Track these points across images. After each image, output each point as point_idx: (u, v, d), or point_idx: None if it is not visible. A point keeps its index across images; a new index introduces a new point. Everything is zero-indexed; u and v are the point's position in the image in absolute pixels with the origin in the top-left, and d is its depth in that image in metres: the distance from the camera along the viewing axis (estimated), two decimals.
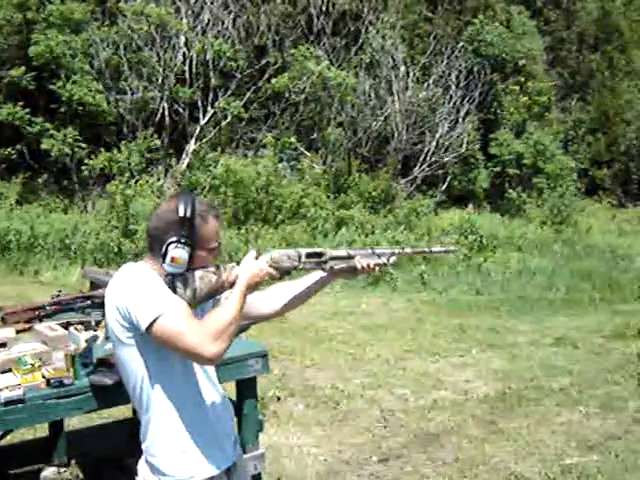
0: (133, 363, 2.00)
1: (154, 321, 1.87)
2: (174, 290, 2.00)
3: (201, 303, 2.08)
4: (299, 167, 16.35)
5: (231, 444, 2.18)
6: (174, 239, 1.97)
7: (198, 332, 1.87)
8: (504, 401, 5.46)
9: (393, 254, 2.29)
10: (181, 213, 1.98)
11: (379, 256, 2.28)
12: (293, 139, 16.83)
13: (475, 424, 4.98)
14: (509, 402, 5.43)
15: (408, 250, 2.39)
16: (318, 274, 2.30)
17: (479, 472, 4.18)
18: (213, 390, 2.15)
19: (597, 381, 5.94)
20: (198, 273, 2.05)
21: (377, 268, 2.28)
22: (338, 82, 16.36)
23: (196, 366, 2.07)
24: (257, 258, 2.11)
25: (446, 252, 2.57)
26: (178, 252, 1.97)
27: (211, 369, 2.19)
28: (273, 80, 16.66)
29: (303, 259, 2.18)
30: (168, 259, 1.97)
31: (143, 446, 2.08)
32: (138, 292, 1.93)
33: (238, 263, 2.10)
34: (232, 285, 2.04)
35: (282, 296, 2.31)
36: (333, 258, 2.23)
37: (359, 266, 2.23)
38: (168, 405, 2.01)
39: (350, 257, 2.24)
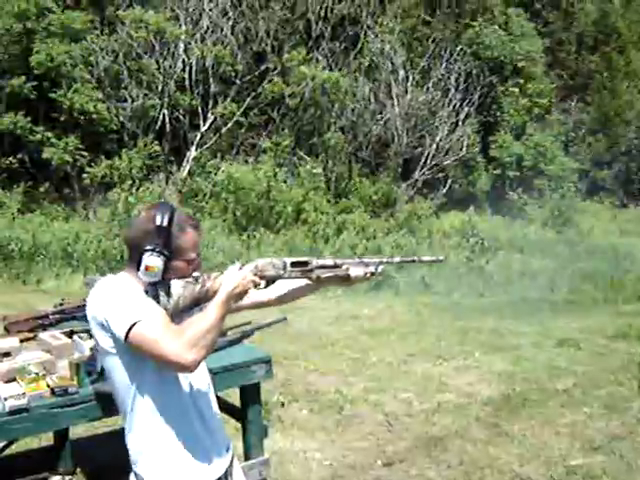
0: (117, 372, 2.00)
1: (130, 329, 1.86)
2: (157, 299, 1.98)
3: (185, 312, 2.05)
4: (299, 172, 16.36)
5: (222, 454, 2.16)
6: (149, 247, 1.97)
7: (174, 340, 1.85)
8: (508, 403, 5.45)
9: (381, 263, 2.30)
10: (158, 222, 1.98)
11: (367, 265, 2.29)
12: (292, 143, 16.86)
13: (479, 427, 4.98)
14: (513, 404, 5.43)
15: (396, 259, 2.39)
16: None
17: (484, 475, 4.18)
18: (202, 400, 2.12)
19: (601, 382, 5.93)
20: (180, 282, 2.04)
21: (368, 275, 2.30)
22: (333, 82, 16.38)
23: (182, 376, 2.05)
24: (241, 269, 2.09)
25: (435, 261, 2.54)
26: (152, 260, 1.96)
27: (204, 379, 2.16)
28: (267, 85, 16.70)
29: (288, 268, 2.19)
30: (142, 267, 1.97)
31: (130, 458, 2.07)
32: (115, 302, 1.93)
33: (222, 272, 2.09)
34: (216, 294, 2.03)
35: (278, 288, 2.34)
36: (319, 267, 2.24)
37: (353, 275, 2.25)
38: (151, 416, 2.00)
39: (337, 266, 2.26)
